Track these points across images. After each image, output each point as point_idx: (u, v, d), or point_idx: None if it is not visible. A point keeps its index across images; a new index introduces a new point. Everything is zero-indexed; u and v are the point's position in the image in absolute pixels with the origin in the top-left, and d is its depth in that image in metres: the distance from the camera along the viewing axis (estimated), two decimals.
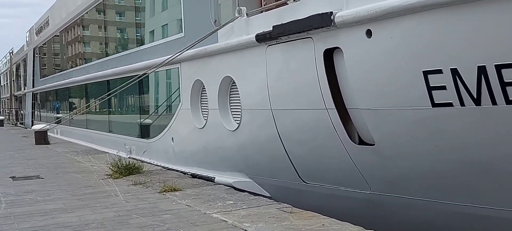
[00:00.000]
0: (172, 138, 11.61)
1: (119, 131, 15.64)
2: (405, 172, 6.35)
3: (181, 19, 10.91)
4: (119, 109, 16.54)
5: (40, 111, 30.68)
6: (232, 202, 7.04)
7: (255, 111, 8.34)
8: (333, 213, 6.16)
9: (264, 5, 8.80)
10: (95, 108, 17.79)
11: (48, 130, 18.05)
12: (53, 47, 27.08)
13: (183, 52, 10.01)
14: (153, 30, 13.70)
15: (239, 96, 8.84)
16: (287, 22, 7.03)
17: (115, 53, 16.40)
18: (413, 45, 5.49)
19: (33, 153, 14.89)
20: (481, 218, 5.97)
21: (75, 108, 21.38)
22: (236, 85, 8.92)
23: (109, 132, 16.53)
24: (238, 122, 8.97)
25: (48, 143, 17.71)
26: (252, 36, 7.99)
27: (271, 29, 7.39)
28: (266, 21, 7.90)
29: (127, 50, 15.00)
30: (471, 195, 5.91)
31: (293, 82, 7.32)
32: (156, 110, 13.08)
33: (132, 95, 14.84)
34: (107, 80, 16.29)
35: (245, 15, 8.41)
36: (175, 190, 8.01)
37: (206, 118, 10.17)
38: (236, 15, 8.60)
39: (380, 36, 5.80)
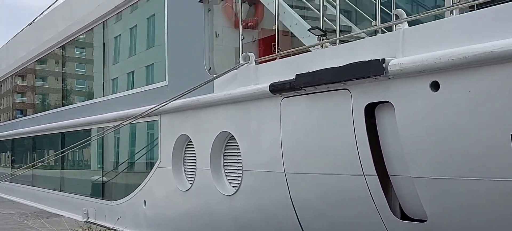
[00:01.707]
0: (145, 201, 10.12)
1: (74, 190, 13.87)
2: None
3: (165, 65, 9.67)
4: (74, 163, 14.80)
5: None
6: None
7: (262, 174, 7.11)
8: None
9: (276, 51, 7.67)
10: (47, 162, 15.99)
11: None
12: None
13: (169, 102, 8.72)
14: (117, 77, 12.39)
15: (239, 155, 7.60)
16: (317, 71, 5.95)
17: (74, 103, 14.82)
18: (500, 102, 4.49)
19: None
20: None
21: (17, 162, 19.34)
22: (235, 142, 7.69)
23: (61, 190, 14.69)
24: (237, 185, 7.70)
25: None
26: (263, 86, 6.85)
27: (294, 78, 6.28)
28: (279, 70, 6.82)
29: (90, 99, 13.47)
30: None
31: (318, 141, 6.19)
32: (125, 167, 11.56)
33: (91, 148, 13.24)
34: (62, 133, 14.62)
35: (254, 62, 7.30)
36: None
37: (192, 179, 8.82)
38: (242, 61, 7.48)
39: (452, 90, 4.80)
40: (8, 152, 21.27)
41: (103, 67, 12.59)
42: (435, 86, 4.89)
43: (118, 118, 10.93)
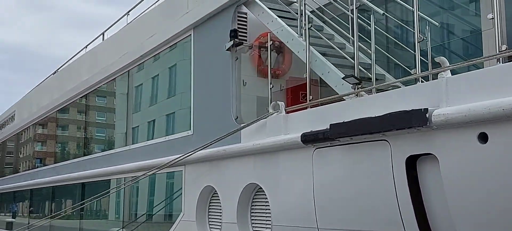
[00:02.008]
0: None
1: None
2: None
3: (190, 114, 9.49)
4: (93, 213, 14.53)
5: None
6: None
7: (293, 229, 6.77)
8: None
9: (307, 100, 7.42)
10: (65, 212, 15.74)
11: None
12: (15, 144, 25.00)
13: (194, 152, 8.50)
14: (140, 126, 12.25)
15: (268, 209, 7.29)
16: (353, 121, 5.69)
17: (94, 152, 14.69)
18: None
19: None
20: None
21: (35, 212, 19.15)
22: (264, 194, 7.40)
23: None
24: None
25: None
26: (294, 136, 6.60)
27: (327, 128, 6.03)
28: (311, 119, 6.58)
29: (111, 148, 13.31)
30: None
31: (355, 195, 5.87)
32: (146, 219, 11.26)
33: (110, 198, 12.99)
34: (82, 183, 14.43)
35: (284, 111, 7.08)
36: None
37: None
38: (271, 110, 7.26)
39: (501, 142, 4.49)
40: (26, 201, 21.15)
41: (126, 117, 12.47)
42: (483, 138, 4.59)
43: (141, 168, 10.72)
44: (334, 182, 6.14)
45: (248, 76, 8.63)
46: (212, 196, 8.84)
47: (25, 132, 23.11)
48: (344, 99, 6.33)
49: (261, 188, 7.50)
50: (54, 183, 16.83)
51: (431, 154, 5.05)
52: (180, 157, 8.86)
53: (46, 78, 19.78)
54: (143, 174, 10.00)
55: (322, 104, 6.77)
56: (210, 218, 8.86)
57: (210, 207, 8.90)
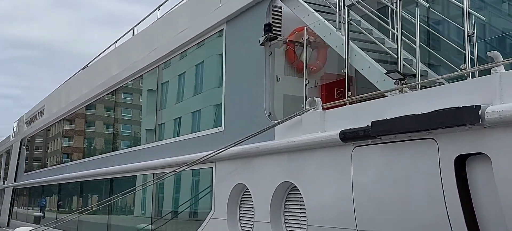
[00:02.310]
0: None
1: None
2: None
3: (221, 110, 9.31)
4: (119, 209, 14.46)
5: (18, 209, 28.21)
6: None
7: (330, 230, 6.52)
8: None
9: (345, 96, 7.16)
10: (91, 207, 15.73)
11: None
12: (44, 139, 25.21)
13: (226, 149, 8.31)
14: (169, 122, 12.12)
15: (303, 208, 7.06)
16: (397, 118, 5.42)
17: (122, 148, 14.61)
18: None
19: None
20: None
21: (63, 206, 19.25)
22: (299, 193, 7.17)
23: None
24: None
25: None
26: (332, 134, 6.35)
27: (368, 125, 5.77)
28: (350, 116, 6.32)
29: (137, 144, 13.20)
30: None
31: (398, 196, 5.60)
32: (175, 215, 11.13)
33: (139, 195, 12.89)
34: (111, 178, 14.39)
35: (320, 107, 6.83)
36: None
37: None
38: (307, 107, 7.02)
39: None
40: (53, 196, 21.28)
41: (156, 113, 12.34)
42: None
43: (169, 164, 10.59)
44: (375, 181, 5.88)
45: (285, 72, 8.41)
46: (244, 194, 8.65)
47: (53, 127, 23.31)
48: (386, 96, 6.06)
49: (295, 186, 7.27)
50: (82, 178, 16.85)
51: (483, 153, 4.76)
52: (212, 153, 8.69)
53: (76, 74, 19.86)
54: (174, 171, 9.86)
55: (360, 102, 6.50)
56: (241, 216, 8.67)
57: (241, 205, 8.71)
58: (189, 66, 11.51)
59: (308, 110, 6.98)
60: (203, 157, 8.83)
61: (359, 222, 6.03)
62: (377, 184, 5.85)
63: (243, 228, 8.62)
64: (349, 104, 6.58)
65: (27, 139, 27.81)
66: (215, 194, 9.20)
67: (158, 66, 12.36)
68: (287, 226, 7.56)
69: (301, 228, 7.14)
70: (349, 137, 6.07)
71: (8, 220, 29.03)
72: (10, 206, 29.62)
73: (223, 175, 9.01)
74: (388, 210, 5.70)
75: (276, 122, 7.59)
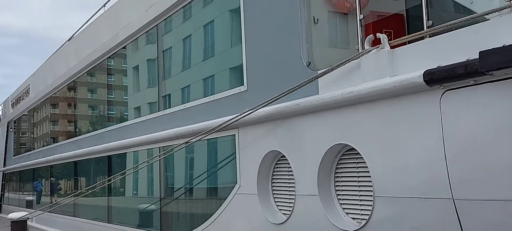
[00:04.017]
0: None
1: (124, 220, 12.01)
2: None
3: (242, 65, 7.75)
4: (124, 189, 12.91)
5: (9, 194, 26.64)
6: None
7: (410, 202, 5.05)
8: None
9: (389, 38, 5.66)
10: (88, 189, 14.19)
11: (28, 219, 14.20)
12: (32, 120, 23.49)
13: (255, 110, 6.79)
14: (169, 94, 10.53)
15: (367, 176, 5.58)
16: None
17: (120, 122, 13.01)
18: None
19: None
20: None
21: (59, 190, 17.68)
22: (358, 157, 5.68)
23: (108, 221, 12.83)
24: (363, 217, 5.67)
25: None
26: (410, 77, 4.84)
27: (467, 59, 4.27)
28: (432, 52, 4.82)
29: (141, 116, 11.61)
30: None
31: None
32: (189, 193, 9.64)
33: (147, 172, 11.34)
34: (109, 156, 12.83)
35: (387, 46, 5.30)
36: None
37: (288, 209, 6.85)
38: (366, 47, 5.48)
39: None
40: (43, 180, 19.69)
41: (158, 84, 10.69)
42: None
43: (180, 134, 9.08)
44: (480, 136, 4.39)
45: (325, 12, 6.86)
46: (278, 163, 7.17)
47: (40, 110, 21.63)
48: (488, 19, 4.54)
49: (352, 149, 5.79)
50: (76, 158, 15.28)
51: None
52: (236, 117, 7.18)
53: (61, 47, 18.10)
54: (187, 142, 8.34)
55: (435, 35, 4.98)
56: (276, 189, 7.20)
57: (275, 177, 7.24)
58: (195, 29, 9.87)
59: (367, 52, 5.45)
60: (226, 121, 7.32)
61: (456, 191, 4.56)
62: (483, 139, 4.36)
63: (278, 203, 7.17)
64: (429, 37, 5.05)
65: (14, 121, 26.11)
66: (240, 166, 7.72)
67: (156, 26, 10.72)
68: (341, 199, 6.11)
69: (365, 200, 5.68)
70: (439, 77, 4.55)
71: (0, 205, 27.54)
72: (1, 191, 28.09)
73: (250, 142, 7.52)
74: (502, 174, 4.23)
75: (320, 71, 6.06)
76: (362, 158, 5.58)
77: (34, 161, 20.52)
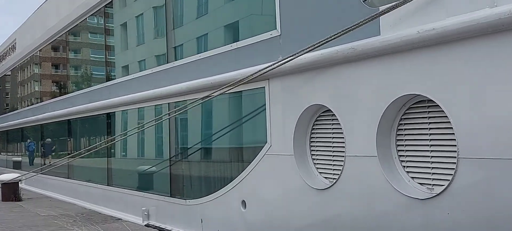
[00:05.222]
0: (244, 202, 7.19)
1: (127, 183, 10.98)
2: None
3: (274, 6, 6.64)
4: (125, 150, 11.84)
5: None
6: None
7: (506, 164, 4.07)
8: None
9: None
10: (79, 149, 13.12)
11: (20, 181, 13.15)
12: (20, 77, 22.17)
13: (297, 56, 5.74)
14: (182, 44, 9.39)
15: (450, 134, 4.58)
16: None
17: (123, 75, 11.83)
18: None
19: (3, 216, 10.10)
20: None
21: (54, 151, 16.58)
22: (440, 111, 4.67)
23: (108, 184, 11.78)
24: (443, 182, 4.70)
25: (20, 199, 12.82)
26: None
27: None
28: None
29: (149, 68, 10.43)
30: None
31: None
32: (203, 154, 8.63)
33: (155, 132, 10.27)
34: (107, 113, 11.73)
35: None
36: None
37: (333, 172, 5.88)
38: None
39: None
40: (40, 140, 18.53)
41: (166, 34, 9.52)
42: None
43: (196, 88, 8.04)
44: None
45: None
46: (319, 120, 6.17)
47: (26, 69, 20.34)
48: None
49: (424, 101, 4.80)
50: (71, 116, 14.14)
51: None
52: (270, 65, 6.14)
53: None
54: (207, 96, 7.29)
55: None
56: (316, 150, 6.21)
57: (315, 135, 6.24)
58: None
59: None
60: (259, 71, 6.29)
61: None
62: None
63: (318, 166, 6.20)
64: None
65: (1, 78, 24.74)
66: (271, 122, 6.70)
67: None
68: (404, 162, 5.13)
69: (442, 162, 4.71)
70: None
71: None
72: None
73: (284, 95, 6.49)
74: None
75: (383, 7, 5.00)
76: (442, 111, 4.58)
77: (23, 120, 19.34)
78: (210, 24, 8.62)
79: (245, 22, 7.71)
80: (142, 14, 10.82)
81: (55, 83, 18.36)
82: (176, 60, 9.11)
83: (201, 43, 8.73)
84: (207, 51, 8.19)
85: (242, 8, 7.90)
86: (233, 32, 7.91)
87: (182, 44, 9.26)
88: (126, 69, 11.48)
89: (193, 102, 7.79)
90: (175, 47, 9.37)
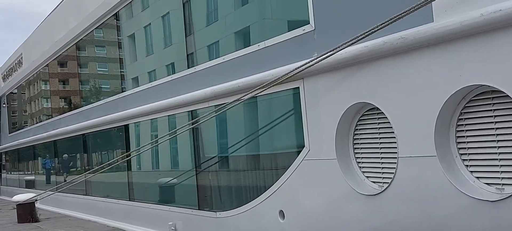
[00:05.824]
0: (282, 212, 6.71)
1: (150, 197, 10.51)
2: None
3: (307, 2, 6.17)
4: (142, 164, 11.37)
5: (7, 175, 25.09)
6: None
7: None
8: None
9: None
10: (99, 164, 12.67)
11: (36, 201, 12.70)
12: (28, 93, 21.76)
13: (344, 47, 5.27)
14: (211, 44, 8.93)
15: None
16: None
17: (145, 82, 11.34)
18: None
19: None
20: None
21: (72, 167, 16.12)
22: (508, 101, 4.19)
23: (130, 199, 11.31)
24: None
25: (37, 220, 12.37)
26: None
27: None
28: None
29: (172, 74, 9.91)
30: None
31: None
32: (233, 163, 8.16)
33: (166, 146, 9.83)
34: (125, 125, 11.27)
35: None
36: None
37: (383, 176, 5.39)
38: None
39: None
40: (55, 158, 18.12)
41: (185, 38, 9.05)
42: None
43: (219, 93, 7.59)
44: None
45: None
46: (362, 119, 5.69)
47: (34, 86, 19.91)
48: None
49: (489, 92, 4.32)
50: (86, 130, 13.69)
51: None
52: (306, 63, 5.67)
53: (56, 8, 16.26)
54: (238, 99, 6.83)
55: None
56: (361, 152, 5.73)
57: (358, 136, 5.76)
58: None
59: None
60: (293, 70, 5.82)
61: None
62: None
63: (364, 170, 5.71)
64: None
65: (7, 95, 24.30)
66: (308, 125, 6.23)
67: None
68: (466, 161, 4.64)
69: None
70: None
71: None
72: None
73: (322, 95, 6.01)
74: None
75: None
76: (510, 102, 4.10)
77: (35, 137, 18.92)
78: (231, 26, 8.15)
79: (268, 22, 7.25)
80: (168, 13, 10.31)
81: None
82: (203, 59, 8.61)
83: (225, 46, 8.27)
84: (236, 51, 7.67)
85: (265, 6, 7.44)
86: (261, 30, 7.45)
87: (202, 48, 8.81)
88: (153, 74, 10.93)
89: (226, 105, 7.29)
90: (190, 54, 8.92)
